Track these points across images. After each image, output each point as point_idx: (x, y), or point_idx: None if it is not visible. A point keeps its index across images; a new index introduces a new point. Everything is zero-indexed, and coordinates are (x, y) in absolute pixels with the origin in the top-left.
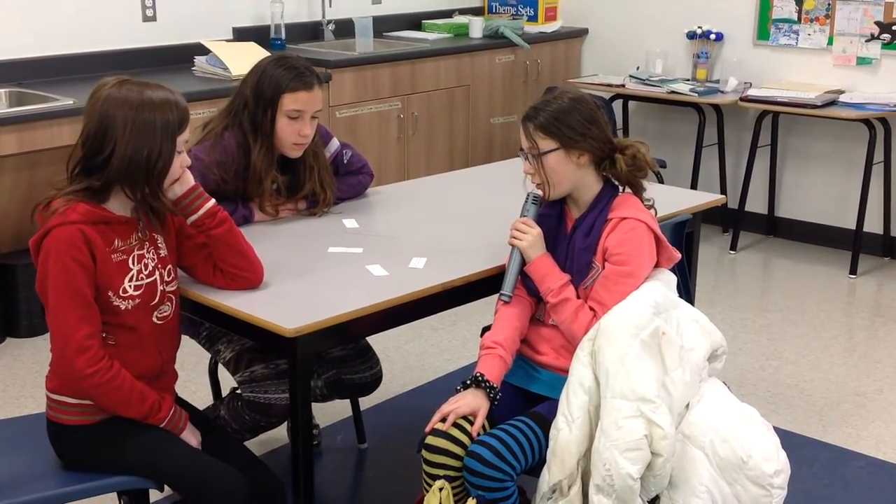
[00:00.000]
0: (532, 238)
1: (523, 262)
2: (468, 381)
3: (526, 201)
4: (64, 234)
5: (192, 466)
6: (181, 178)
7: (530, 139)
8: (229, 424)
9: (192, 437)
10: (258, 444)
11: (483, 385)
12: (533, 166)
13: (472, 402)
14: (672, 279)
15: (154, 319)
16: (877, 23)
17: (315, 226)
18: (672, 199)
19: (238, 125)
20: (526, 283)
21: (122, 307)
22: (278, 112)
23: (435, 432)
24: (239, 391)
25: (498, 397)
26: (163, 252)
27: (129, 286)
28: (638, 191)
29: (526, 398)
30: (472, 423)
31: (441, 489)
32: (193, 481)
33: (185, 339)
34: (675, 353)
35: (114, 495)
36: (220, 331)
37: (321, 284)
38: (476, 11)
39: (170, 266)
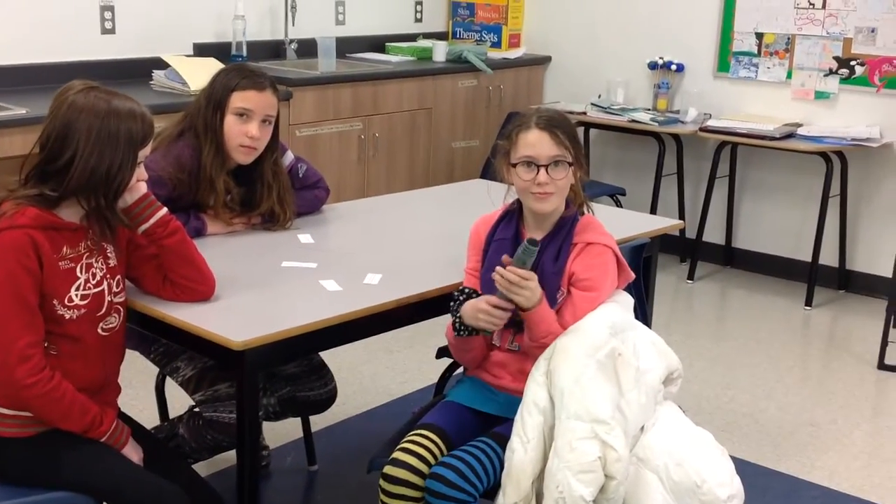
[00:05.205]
0: (533, 289)
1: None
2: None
3: (525, 247)
4: (11, 239)
5: (133, 482)
6: (133, 186)
7: (563, 146)
8: (188, 444)
9: (133, 452)
10: (205, 464)
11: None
12: (551, 176)
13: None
14: (629, 301)
15: (99, 331)
16: (835, 58)
17: (269, 240)
18: (630, 223)
19: (192, 129)
20: None
21: (67, 316)
22: (227, 110)
23: (393, 462)
24: (197, 410)
25: None
26: (112, 262)
27: (76, 295)
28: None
29: (484, 421)
30: (431, 451)
31: None
32: (133, 498)
33: (135, 355)
34: (631, 374)
35: None
36: (180, 348)
37: (273, 298)
38: (440, 36)
39: (119, 276)
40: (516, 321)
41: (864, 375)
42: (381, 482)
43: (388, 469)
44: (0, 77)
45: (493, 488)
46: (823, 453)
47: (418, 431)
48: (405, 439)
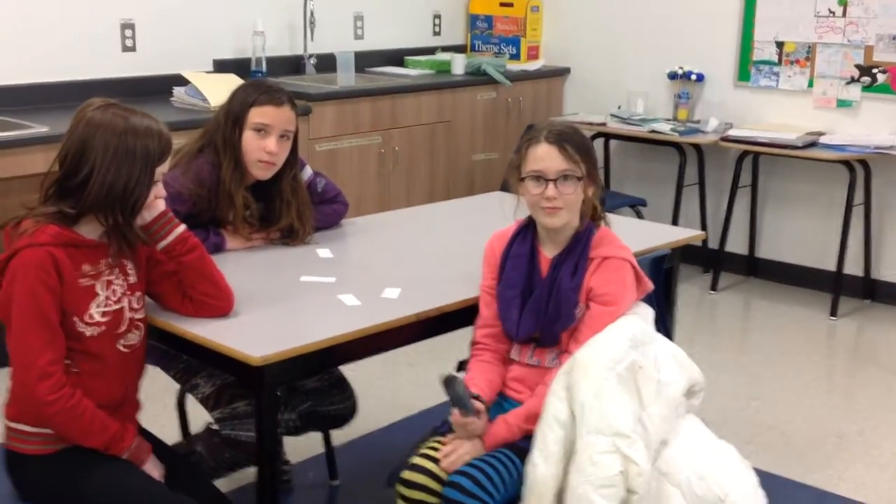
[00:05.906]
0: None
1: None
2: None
3: (449, 390)
4: (32, 257)
5: (154, 499)
6: (151, 204)
7: (572, 161)
8: (206, 461)
9: (154, 469)
10: (226, 480)
11: None
12: (559, 191)
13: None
14: (649, 313)
15: (120, 347)
16: (857, 65)
17: (288, 255)
18: (652, 234)
19: (212, 145)
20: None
21: (87, 333)
22: (245, 125)
23: (412, 467)
24: (215, 427)
25: None
26: (132, 278)
27: (96, 312)
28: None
29: None
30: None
31: None
32: None
33: (157, 370)
34: (652, 387)
35: None
36: (199, 364)
37: (291, 313)
38: (459, 49)
39: (139, 293)
40: (535, 337)
41: (891, 386)
42: (399, 486)
43: (406, 474)
44: (22, 95)
45: (511, 500)
46: (851, 465)
47: (438, 439)
48: (425, 445)
